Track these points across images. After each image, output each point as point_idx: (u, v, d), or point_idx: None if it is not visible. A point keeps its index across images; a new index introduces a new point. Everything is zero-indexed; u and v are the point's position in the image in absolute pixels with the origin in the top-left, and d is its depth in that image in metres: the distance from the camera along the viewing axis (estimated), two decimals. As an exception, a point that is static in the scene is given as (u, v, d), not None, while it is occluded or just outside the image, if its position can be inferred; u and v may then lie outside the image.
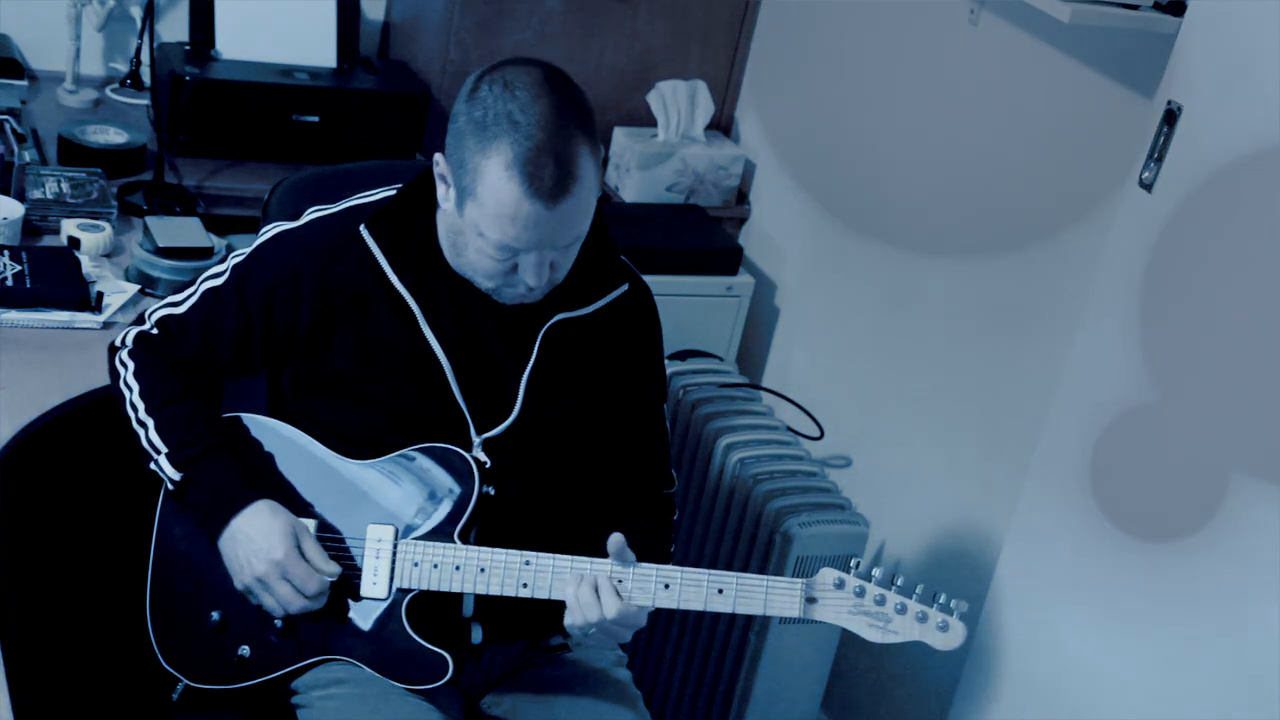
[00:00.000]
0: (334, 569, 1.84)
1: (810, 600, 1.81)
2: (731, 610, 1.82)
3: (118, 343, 1.95)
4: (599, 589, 1.81)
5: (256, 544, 1.82)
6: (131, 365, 1.91)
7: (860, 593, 1.80)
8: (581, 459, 1.98)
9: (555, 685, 2.01)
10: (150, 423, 1.87)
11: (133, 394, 1.89)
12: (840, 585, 1.80)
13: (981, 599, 2.47)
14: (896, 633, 1.80)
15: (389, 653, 1.87)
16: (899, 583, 1.81)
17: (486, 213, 1.72)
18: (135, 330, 1.94)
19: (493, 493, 1.87)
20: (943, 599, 1.80)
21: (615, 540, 1.82)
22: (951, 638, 1.79)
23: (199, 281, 1.93)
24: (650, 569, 1.83)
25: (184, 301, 1.92)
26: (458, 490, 1.86)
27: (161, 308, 1.94)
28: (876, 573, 1.81)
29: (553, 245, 1.75)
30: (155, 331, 1.93)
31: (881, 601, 1.80)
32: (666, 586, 1.82)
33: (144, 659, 1.97)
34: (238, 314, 1.89)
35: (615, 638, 1.86)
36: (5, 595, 2.36)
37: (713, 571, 1.82)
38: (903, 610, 1.80)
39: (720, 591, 1.81)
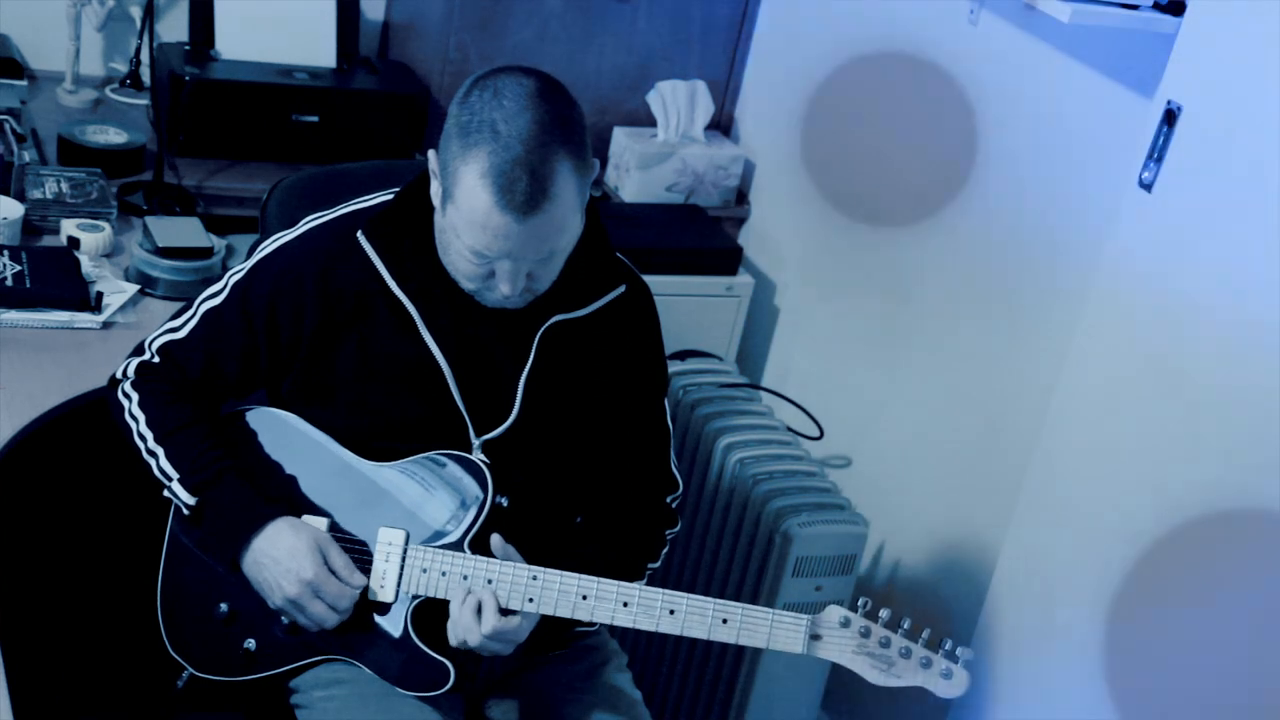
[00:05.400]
0: (362, 580, 1.84)
1: (815, 637, 1.80)
2: (735, 641, 1.81)
3: (118, 375, 1.94)
4: (481, 607, 1.80)
5: (284, 565, 1.82)
6: (135, 396, 1.90)
7: (865, 633, 1.79)
8: (581, 460, 1.98)
9: (556, 687, 2.01)
10: (160, 451, 1.87)
11: (140, 424, 1.88)
12: (846, 624, 1.79)
13: (981, 598, 2.47)
14: (899, 676, 1.79)
15: (392, 657, 1.87)
16: (905, 625, 1.80)
17: (461, 217, 1.72)
18: (136, 361, 1.93)
19: (506, 503, 1.87)
20: (948, 645, 1.79)
21: (495, 540, 1.82)
22: (954, 685, 1.78)
23: (196, 304, 1.92)
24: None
25: (183, 325, 1.91)
26: (470, 498, 1.86)
27: (160, 335, 1.93)
28: (884, 614, 1.80)
29: (525, 257, 1.74)
30: (157, 360, 1.92)
31: (886, 644, 1.79)
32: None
33: (147, 653, 1.98)
34: (242, 330, 1.88)
35: (496, 652, 1.84)
36: (5, 594, 2.36)
37: (718, 601, 1.81)
38: (907, 654, 1.79)
39: (725, 621, 1.80)
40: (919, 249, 2.86)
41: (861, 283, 3.02)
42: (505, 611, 1.81)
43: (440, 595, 1.85)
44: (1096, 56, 2.45)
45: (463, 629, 1.80)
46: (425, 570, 1.85)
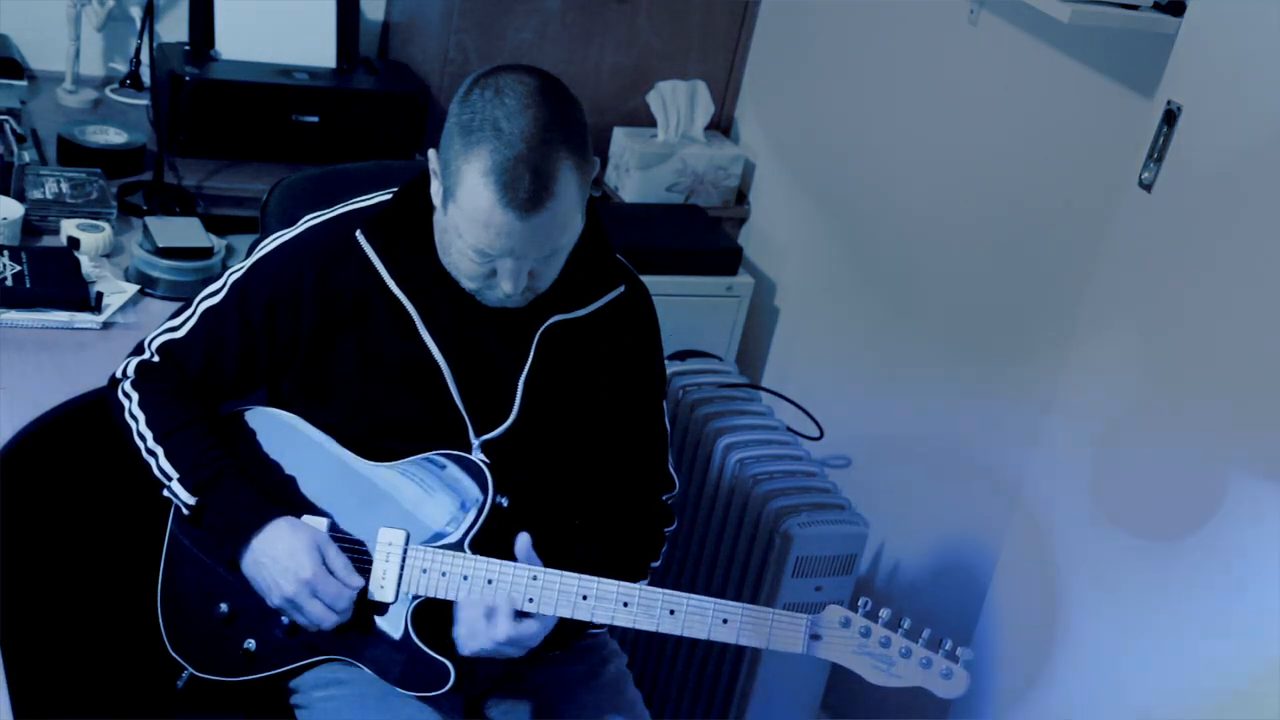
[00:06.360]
0: (359, 581, 1.84)
1: (815, 637, 1.80)
2: (735, 641, 1.81)
3: (118, 374, 1.95)
4: (493, 614, 1.80)
5: (283, 564, 1.82)
6: (135, 396, 1.90)
7: (866, 633, 1.79)
8: (580, 460, 1.98)
9: (556, 687, 2.01)
10: (160, 451, 1.87)
11: (139, 424, 1.88)
12: (846, 624, 1.79)
13: (981, 598, 2.47)
14: (899, 676, 1.79)
15: (392, 657, 1.87)
16: (905, 625, 1.80)
17: (464, 215, 1.72)
18: (135, 360, 1.93)
19: (506, 504, 1.87)
20: (948, 645, 1.79)
21: (521, 543, 1.82)
22: (954, 685, 1.79)
23: (195, 303, 1.92)
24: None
25: (182, 325, 1.91)
26: (470, 500, 1.86)
27: (160, 334, 1.93)
28: (884, 613, 1.80)
29: (527, 255, 1.74)
30: (156, 359, 1.92)
31: (886, 644, 1.79)
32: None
33: (147, 653, 1.97)
34: (241, 329, 1.88)
35: (507, 655, 1.85)
36: (5, 594, 2.36)
37: (718, 601, 1.81)
38: (907, 654, 1.79)
39: (725, 622, 1.80)
40: (919, 249, 2.86)
41: (861, 283, 3.02)
42: (521, 614, 1.81)
43: (440, 595, 1.85)
44: (1096, 56, 2.45)
45: (476, 635, 1.80)
46: (425, 570, 1.85)
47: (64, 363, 2.24)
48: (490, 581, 1.82)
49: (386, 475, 1.88)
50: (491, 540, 1.86)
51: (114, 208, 2.64)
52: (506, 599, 1.80)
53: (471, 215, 1.71)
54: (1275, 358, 1.94)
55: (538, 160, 1.68)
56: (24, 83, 2.97)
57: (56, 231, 2.55)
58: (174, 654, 1.95)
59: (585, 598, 1.82)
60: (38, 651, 2.29)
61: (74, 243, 2.51)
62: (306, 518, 1.86)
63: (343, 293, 1.86)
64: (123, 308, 2.40)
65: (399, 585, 1.85)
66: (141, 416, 1.88)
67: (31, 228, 2.56)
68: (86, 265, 2.45)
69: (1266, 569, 1.95)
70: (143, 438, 1.88)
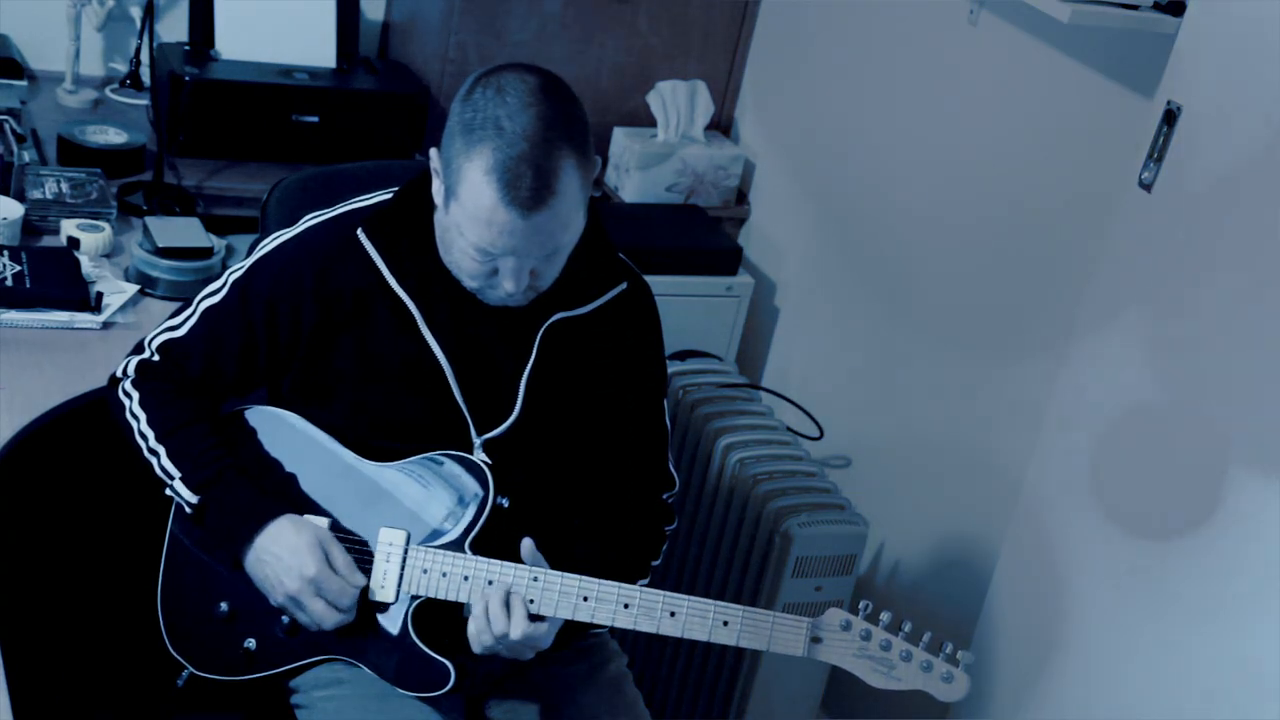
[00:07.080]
0: (362, 579, 1.84)
1: (815, 640, 1.80)
2: (735, 644, 1.81)
3: (118, 374, 1.94)
4: (510, 604, 1.80)
5: (286, 562, 1.81)
6: (136, 395, 1.90)
7: (866, 636, 1.79)
8: (581, 459, 1.98)
9: (556, 686, 2.01)
10: (161, 450, 1.87)
11: (140, 423, 1.88)
12: (847, 627, 1.79)
13: (981, 598, 2.47)
14: (900, 680, 1.79)
15: (392, 658, 1.87)
16: (906, 629, 1.80)
17: (465, 214, 1.73)
18: (136, 359, 1.93)
19: (506, 504, 1.87)
20: (949, 649, 1.79)
21: (527, 545, 1.82)
22: (955, 689, 1.78)
23: (196, 302, 1.92)
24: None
25: (183, 324, 1.91)
26: (468, 495, 1.86)
27: (160, 333, 1.93)
28: (884, 616, 1.80)
29: (529, 254, 1.74)
30: (156, 358, 1.92)
31: (887, 647, 1.79)
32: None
33: (147, 652, 1.97)
34: (241, 328, 1.88)
35: (516, 655, 1.85)
36: (5, 594, 2.36)
37: (719, 603, 1.81)
38: (908, 658, 1.79)
39: (726, 624, 1.80)
40: (919, 249, 2.86)
41: (861, 283, 3.02)
42: (534, 617, 1.81)
43: (440, 596, 1.85)
44: (1096, 56, 2.45)
45: (493, 633, 1.80)
46: (426, 571, 1.85)
47: (64, 363, 2.24)
48: (491, 582, 1.82)
49: (387, 475, 1.88)
50: (493, 541, 1.86)
51: (114, 208, 2.64)
52: (521, 599, 1.80)
53: (473, 214, 1.71)
54: (1275, 357, 1.94)
55: (539, 158, 1.68)
56: (24, 83, 2.97)
57: (56, 231, 2.55)
58: (174, 653, 1.95)
59: (586, 599, 1.82)
60: (38, 651, 2.29)
61: (74, 243, 2.51)
62: (308, 517, 1.86)
63: (343, 292, 1.86)
64: (123, 308, 2.40)
65: (399, 585, 1.86)
66: (142, 416, 1.88)
67: (31, 228, 2.56)
68: (86, 265, 2.45)
69: (1267, 568, 1.95)
70: (144, 437, 1.88)
